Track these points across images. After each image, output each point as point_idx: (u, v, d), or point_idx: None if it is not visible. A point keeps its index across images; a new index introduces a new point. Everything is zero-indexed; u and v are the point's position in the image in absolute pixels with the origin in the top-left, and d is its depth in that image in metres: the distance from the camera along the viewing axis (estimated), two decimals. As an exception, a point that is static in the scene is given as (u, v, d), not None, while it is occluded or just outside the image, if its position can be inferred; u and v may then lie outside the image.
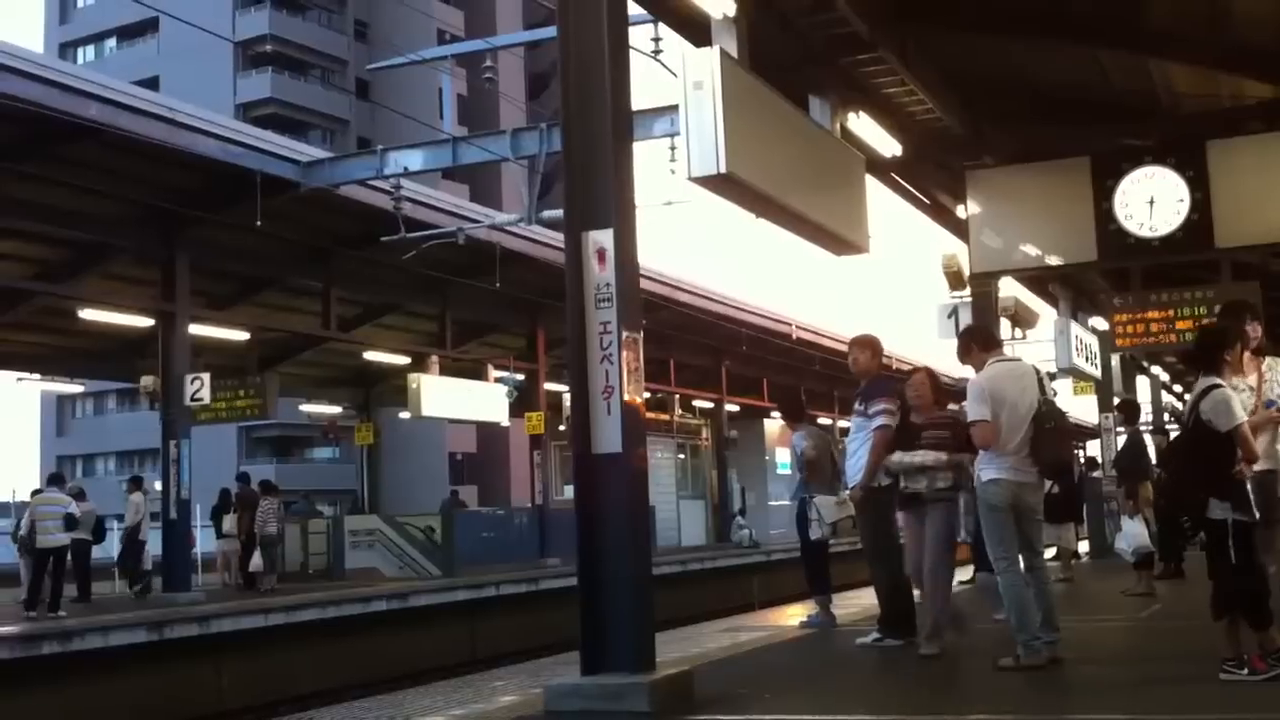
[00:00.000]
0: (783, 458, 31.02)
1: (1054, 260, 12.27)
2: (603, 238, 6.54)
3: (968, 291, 15.34)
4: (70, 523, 15.65)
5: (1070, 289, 19.76)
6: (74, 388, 31.73)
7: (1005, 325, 17.91)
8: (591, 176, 6.66)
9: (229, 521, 20.29)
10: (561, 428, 24.17)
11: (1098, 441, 23.03)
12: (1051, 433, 7.00)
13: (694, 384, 31.45)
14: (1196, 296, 15.74)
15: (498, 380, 24.22)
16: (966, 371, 7.56)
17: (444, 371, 23.32)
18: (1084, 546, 19.81)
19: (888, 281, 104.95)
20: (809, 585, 10.70)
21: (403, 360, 24.05)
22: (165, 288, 17.94)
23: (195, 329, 18.54)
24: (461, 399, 23.82)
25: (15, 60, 13.62)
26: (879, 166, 11.87)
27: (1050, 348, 18.96)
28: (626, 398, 6.43)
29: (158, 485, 19.38)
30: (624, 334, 6.48)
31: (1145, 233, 10.84)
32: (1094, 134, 12.16)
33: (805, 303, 67.27)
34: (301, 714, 9.87)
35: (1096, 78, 11.67)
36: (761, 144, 7.79)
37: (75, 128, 14.18)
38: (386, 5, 54.81)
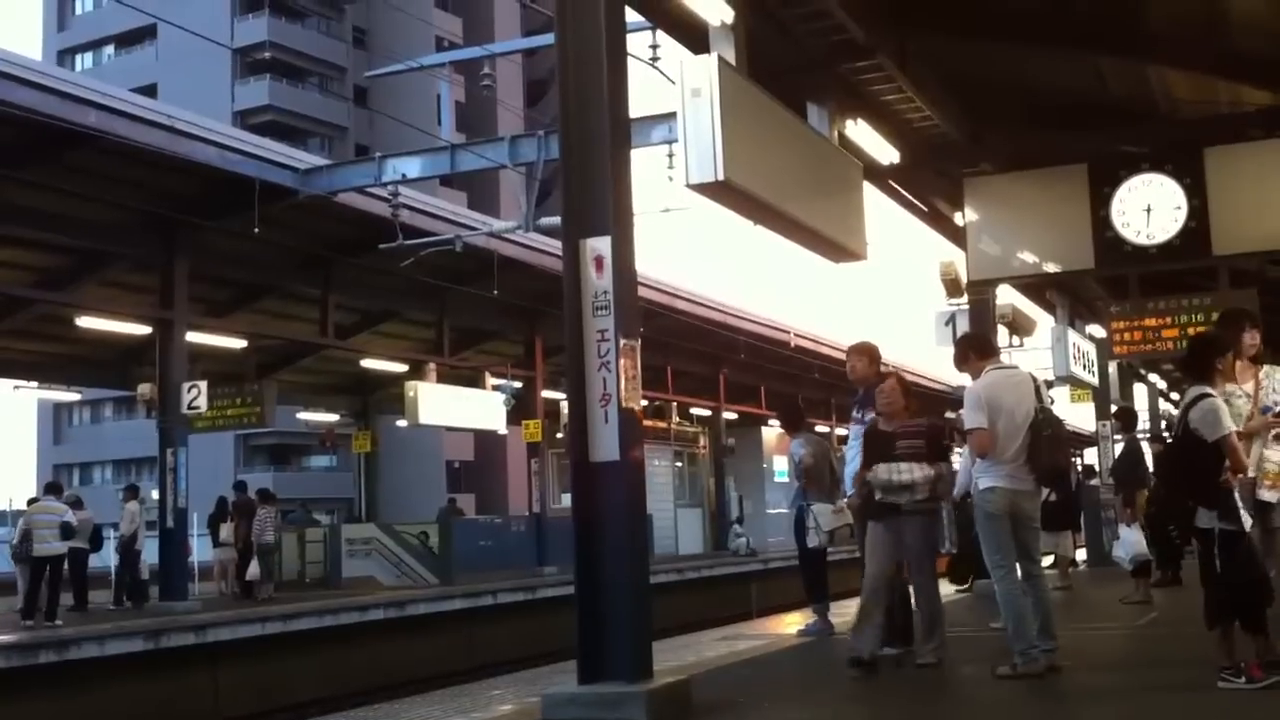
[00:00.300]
0: (781, 466, 31.01)
1: (1051, 267, 12.28)
2: (600, 245, 6.53)
3: (965, 299, 15.35)
4: (67, 531, 15.62)
5: (1068, 296, 19.77)
6: (71, 396, 31.60)
7: (1003, 333, 17.91)
8: (589, 184, 6.65)
9: (226, 530, 20.26)
10: (559, 435, 24.16)
11: (1095, 449, 23.03)
12: (1049, 440, 6.99)
13: (692, 392, 31.45)
14: (1194, 304, 15.76)
15: (495, 388, 24.22)
16: (963, 379, 7.56)
17: (441, 379, 23.32)
18: (1081, 554, 19.80)
19: (885, 289, 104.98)
20: (807, 593, 10.68)
21: (400, 368, 24.05)
22: (163, 295, 17.92)
23: (193, 336, 18.53)
24: (459, 407, 23.82)
25: (14, 67, 13.62)
26: (877, 173, 11.87)
27: (1048, 355, 18.98)
28: (624, 405, 6.41)
29: (155, 494, 19.36)
30: (622, 342, 6.47)
31: (1142, 240, 10.86)
32: (1091, 141, 12.16)
33: (803, 310, 67.37)
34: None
35: (1094, 84, 11.68)
36: (759, 151, 7.80)
37: (73, 134, 14.19)
38: (385, 12, 54.85)
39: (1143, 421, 24.08)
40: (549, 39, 7.34)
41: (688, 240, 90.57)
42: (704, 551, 30.69)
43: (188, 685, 14.45)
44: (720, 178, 7.06)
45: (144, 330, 18.75)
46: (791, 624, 11.66)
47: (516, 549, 23.45)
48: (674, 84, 7.39)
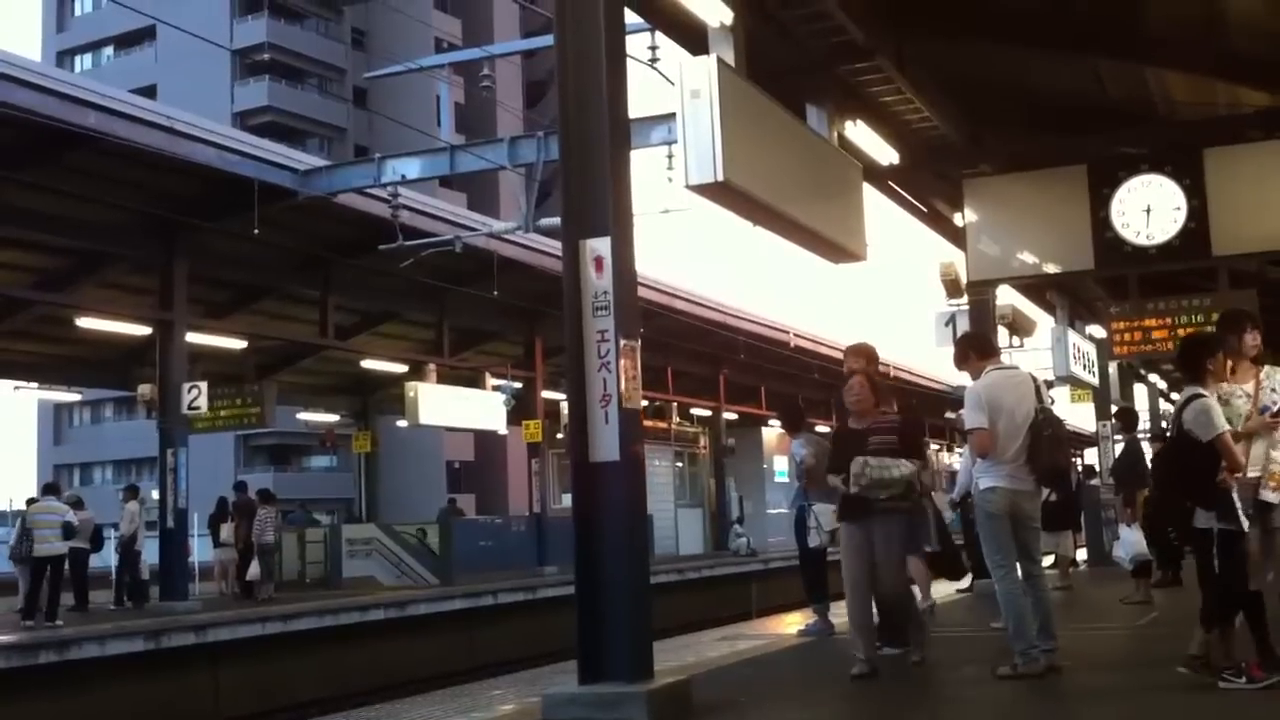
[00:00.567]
0: (781, 466, 31.03)
1: (1051, 268, 12.28)
2: (600, 246, 6.54)
3: (965, 299, 15.36)
4: (68, 531, 15.63)
5: (1068, 297, 19.78)
6: (71, 396, 31.63)
7: (1003, 333, 17.93)
8: (589, 184, 6.66)
9: (226, 530, 20.27)
10: (559, 435, 24.16)
11: (1095, 449, 23.03)
12: (1049, 440, 7.00)
13: (692, 392, 31.46)
14: (1194, 304, 15.77)
15: (495, 388, 24.22)
16: (964, 379, 7.56)
17: (441, 380, 23.32)
18: (1082, 554, 19.81)
19: (885, 290, 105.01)
20: (807, 593, 10.69)
21: (400, 368, 24.06)
22: (163, 296, 17.93)
23: (193, 337, 18.54)
24: (459, 407, 23.83)
25: (13, 68, 13.63)
26: (876, 174, 11.88)
27: (1048, 356, 18.99)
28: (624, 406, 6.42)
29: (155, 494, 19.37)
30: (622, 342, 6.48)
31: (1142, 241, 10.86)
32: (1091, 142, 12.17)
33: (803, 311, 67.38)
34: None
35: (1093, 86, 11.69)
36: (759, 152, 7.80)
37: (73, 136, 14.19)
38: (384, 13, 54.83)
39: (1143, 422, 24.07)
40: (548, 40, 7.35)
41: (687, 241, 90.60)
42: (704, 551, 30.69)
43: (188, 685, 14.46)
44: (719, 179, 7.06)
45: (144, 331, 18.76)
46: (792, 624, 11.67)
47: (517, 549, 23.45)
48: (673, 85, 7.40)
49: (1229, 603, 6.16)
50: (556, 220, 8.57)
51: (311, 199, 16.74)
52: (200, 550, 22.61)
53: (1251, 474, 6.44)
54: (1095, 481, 20.65)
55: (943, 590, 14.46)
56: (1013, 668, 6.92)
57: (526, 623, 18.95)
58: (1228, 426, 6.22)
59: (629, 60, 7.36)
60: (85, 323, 18.56)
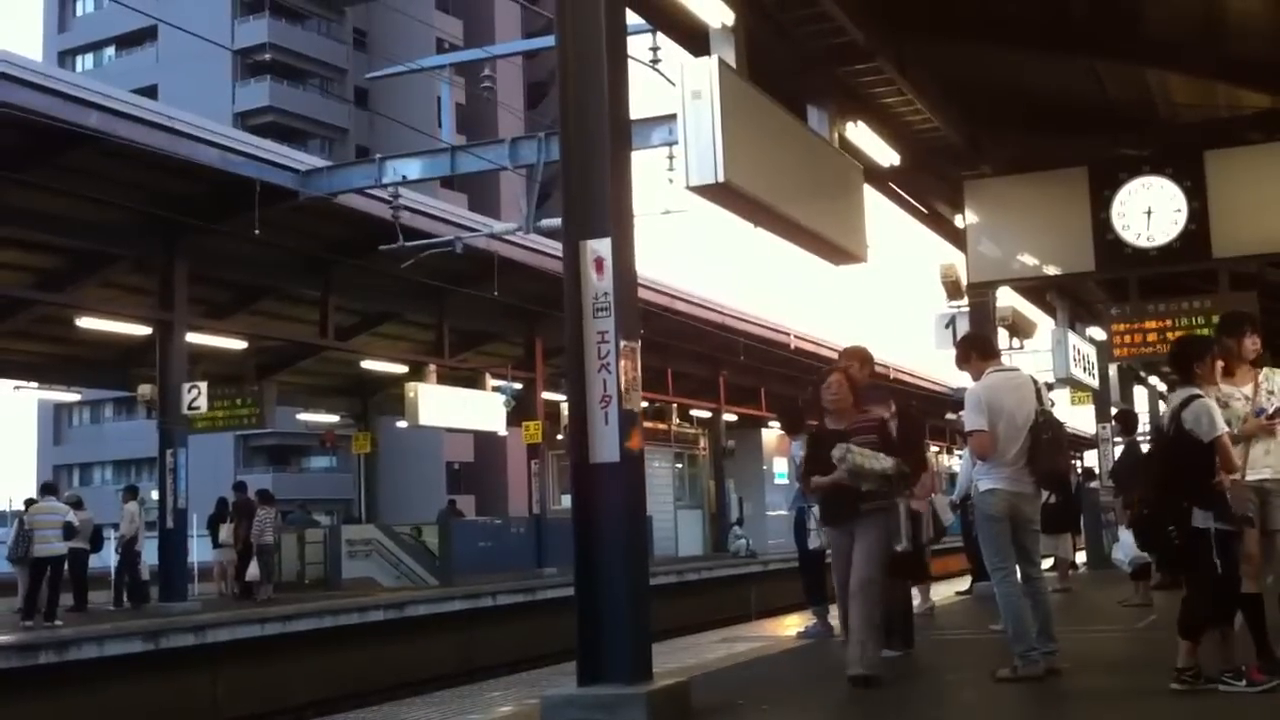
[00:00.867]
0: (780, 467, 30.99)
1: (1051, 270, 12.29)
2: (601, 247, 6.53)
3: (965, 301, 15.35)
4: (69, 531, 15.62)
5: (1068, 299, 19.78)
6: (71, 396, 31.63)
7: (1003, 335, 17.92)
8: (589, 185, 6.66)
9: (226, 531, 20.25)
10: (559, 437, 24.17)
11: (1095, 452, 23.03)
12: (1049, 443, 6.99)
13: (692, 393, 31.45)
14: (1194, 306, 15.77)
15: (495, 389, 24.23)
16: (964, 381, 7.55)
17: (441, 380, 23.33)
18: (1081, 557, 19.81)
19: (886, 291, 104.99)
20: (806, 595, 10.69)
21: (400, 369, 24.06)
22: (163, 296, 17.94)
23: (193, 337, 18.54)
24: (459, 408, 23.83)
25: (14, 68, 13.63)
26: (877, 176, 11.88)
27: (1048, 358, 18.97)
28: (624, 407, 6.42)
29: (155, 494, 19.36)
30: (622, 343, 6.47)
31: (1142, 243, 10.86)
32: (1091, 144, 12.16)
33: (803, 312, 67.35)
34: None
35: (1094, 87, 11.68)
36: (760, 153, 7.80)
37: (74, 136, 14.20)
38: (385, 14, 54.86)
39: (1143, 424, 24.07)
40: (549, 41, 7.35)
41: (688, 242, 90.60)
42: (704, 553, 30.68)
43: (187, 686, 14.45)
44: (720, 179, 7.06)
45: (144, 331, 18.76)
46: (791, 626, 11.66)
47: (516, 550, 23.44)
48: (674, 86, 7.39)
49: (1228, 604, 6.16)
50: (557, 221, 8.57)
51: (312, 199, 16.74)
52: (200, 551, 22.61)
53: (1251, 477, 6.45)
54: (1095, 484, 20.66)
55: (942, 592, 14.47)
56: (1012, 670, 6.92)
57: (526, 624, 18.95)
58: (1226, 429, 6.22)
59: (630, 61, 7.35)
60: (86, 323, 18.56)
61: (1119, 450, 14.58)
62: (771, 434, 32.45)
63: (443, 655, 17.68)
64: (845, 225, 9.51)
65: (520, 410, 24.57)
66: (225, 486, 22.94)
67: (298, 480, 55.62)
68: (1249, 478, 6.45)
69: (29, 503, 16.84)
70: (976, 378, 7.30)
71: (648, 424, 26.47)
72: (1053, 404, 7.71)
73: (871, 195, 11.72)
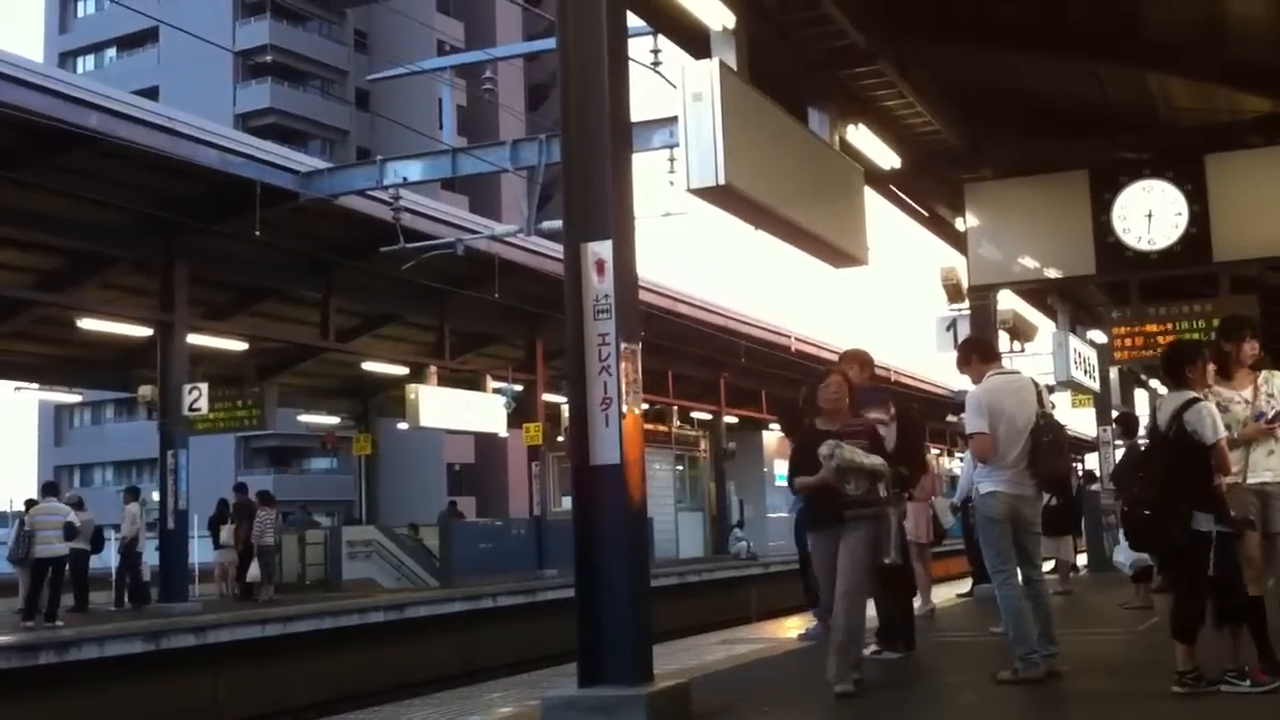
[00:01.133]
0: (781, 469, 30.97)
1: (1052, 273, 12.29)
2: (601, 249, 6.54)
3: (966, 304, 15.35)
4: (70, 532, 15.63)
5: (1069, 302, 19.78)
6: (72, 397, 31.67)
7: (1004, 338, 17.92)
8: (590, 188, 6.66)
9: (226, 532, 20.26)
10: (560, 439, 24.16)
11: (1096, 455, 23.02)
12: (1050, 446, 6.99)
13: (693, 396, 31.46)
14: (1195, 310, 15.77)
15: (496, 391, 24.23)
16: (964, 384, 7.55)
17: (442, 382, 23.33)
18: (1082, 559, 19.80)
19: (886, 294, 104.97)
20: (807, 597, 10.68)
21: (401, 371, 24.06)
22: (164, 297, 17.94)
23: (193, 339, 18.54)
24: (460, 410, 23.83)
25: (15, 69, 13.64)
26: (878, 179, 11.88)
27: (1049, 361, 18.97)
28: (625, 409, 6.42)
29: (155, 495, 19.37)
30: (622, 345, 6.48)
31: (1143, 246, 10.87)
32: (1092, 147, 12.17)
33: (804, 315, 67.35)
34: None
35: (1094, 91, 11.70)
36: (760, 156, 7.80)
37: (75, 137, 14.20)
38: (386, 16, 54.87)
39: (1143, 427, 24.03)
40: (551, 43, 7.36)
41: (689, 244, 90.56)
42: (704, 555, 30.68)
43: (188, 687, 14.45)
44: (721, 182, 7.06)
45: (145, 332, 18.77)
46: (791, 628, 11.66)
47: (517, 552, 23.44)
48: (675, 88, 7.39)
49: (1233, 605, 6.16)
50: (558, 223, 8.57)
51: (313, 201, 16.73)
52: (200, 552, 22.61)
53: (1252, 480, 6.46)
54: (1096, 487, 20.65)
55: (943, 595, 14.47)
56: (1013, 673, 6.92)
57: (526, 626, 18.95)
58: (1226, 433, 6.23)
59: (631, 63, 7.36)
60: (86, 324, 18.57)
61: (1120, 453, 14.57)
62: (772, 436, 32.49)
63: (443, 657, 17.68)
64: (846, 228, 9.52)
65: (521, 412, 24.57)
66: (226, 488, 22.93)
67: (298, 482, 55.60)
68: (1250, 481, 6.46)
69: (30, 503, 16.85)
70: (977, 380, 7.30)
71: (648, 426, 26.45)
72: (1053, 407, 7.71)
73: (872, 198, 11.73)
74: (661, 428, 29.86)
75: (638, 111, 7.21)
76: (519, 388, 24.47)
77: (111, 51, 65.03)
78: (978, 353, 7.53)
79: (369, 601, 17.69)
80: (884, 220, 14.61)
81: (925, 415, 32.35)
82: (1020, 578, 7.08)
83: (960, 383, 7.89)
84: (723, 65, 7.37)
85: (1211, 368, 6.53)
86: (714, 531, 31.93)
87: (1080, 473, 25.14)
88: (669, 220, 17.31)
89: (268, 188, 16.17)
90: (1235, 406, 6.54)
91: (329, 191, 16.79)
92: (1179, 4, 9.86)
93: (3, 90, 13.31)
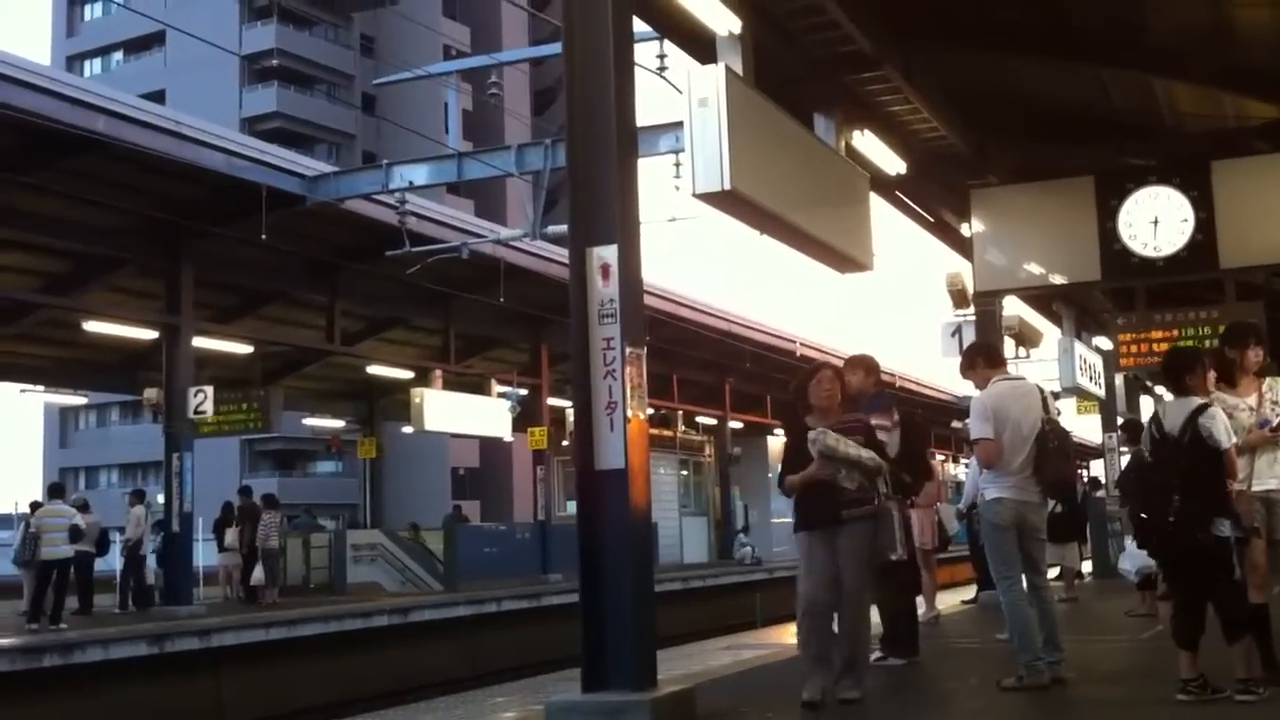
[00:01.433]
0: (785, 475, 30.95)
1: (1058, 279, 12.27)
2: (607, 253, 6.54)
3: (972, 310, 15.35)
4: (75, 534, 15.64)
5: (1074, 308, 19.74)
6: (77, 400, 31.74)
7: (1009, 344, 17.90)
8: (596, 192, 6.67)
9: (231, 535, 20.28)
10: (564, 443, 24.16)
11: (1101, 461, 22.98)
12: (1055, 452, 6.97)
13: (697, 400, 31.45)
14: (1200, 316, 15.72)
15: (501, 395, 24.24)
16: (970, 389, 7.55)
17: (447, 386, 23.34)
18: (1087, 566, 19.77)
19: (892, 299, 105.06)
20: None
21: (406, 374, 24.07)
22: (169, 300, 17.98)
23: (199, 342, 18.57)
24: (465, 413, 23.83)
25: (22, 73, 13.67)
26: (883, 184, 11.88)
27: (1054, 367, 18.95)
28: (630, 414, 6.42)
29: (160, 498, 19.39)
30: (627, 350, 6.48)
31: (1149, 252, 10.85)
32: (1098, 153, 12.16)
33: (809, 320, 67.33)
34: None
35: (1100, 97, 11.69)
36: (766, 161, 7.80)
37: (82, 140, 14.23)
38: (393, 20, 54.96)
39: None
40: (557, 48, 7.38)
41: (694, 249, 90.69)
42: (709, 560, 30.66)
43: (192, 690, 14.46)
44: (727, 187, 7.07)
45: (151, 335, 18.81)
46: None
47: (521, 556, 23.43)
48: (681, 93, 7.41)
49: (1237, 618, 6.14)
50: (563, 228, 8.59)
51: (319, 205, 16.76)
52: (205, 555, 22.63)
53: (1257, 487, 6.45)
54: (1101, 493, 20.62)
55: (948, 601, 14.45)
56: (1018, 679, 6.91)
57: (530, 630, 18.94)
58: (1234, 439, 6.22)
59: (637, 68, 7.37)
60: (92, 326, 18.61)
61: (1125, 460, 14.55)
62: (777, 441, 32.40)
63: (447, 661, 17.68)
64: (851, 233, 9.52)
65: (526, 416, 24.58)
66: (231, 491, 23.00)
67: (303, 485, 55.62)
68: (1255, 488, 6.44)
69: (35, 505, 16.87)
70: (982, 386, 7.29)
71: (653, 431, 26.46)
72: (1059, 413, 7.69)
73: (878, 204, 11.74)
74: (666, 432, 29.86)
75: (643, 116, 7.22)
76: (524, 392, 24.48)
77: (118, 55, 65.14)
78: (983, 358, 7.52)
79: (373, 605, 17.70)
80: (889, 226, 14.65)
81: (930, 421, 32.36)
82: (1025, 584, 7.07)
83: (965, 388, 7.85)
84: (728, 70, 7.38)
85: (1212, 374, 6.51)
86: (718, 536, 31.92)
87: (1085, 479, 25.09)
88: (675, 225, 17.36)
89: (274, 191, 16.19)
90: (1240, 414, 6.52)
91: (335, 195, 16.82)
92: (1183, 10, 9.84)
93: (10, 93, 13.34)
